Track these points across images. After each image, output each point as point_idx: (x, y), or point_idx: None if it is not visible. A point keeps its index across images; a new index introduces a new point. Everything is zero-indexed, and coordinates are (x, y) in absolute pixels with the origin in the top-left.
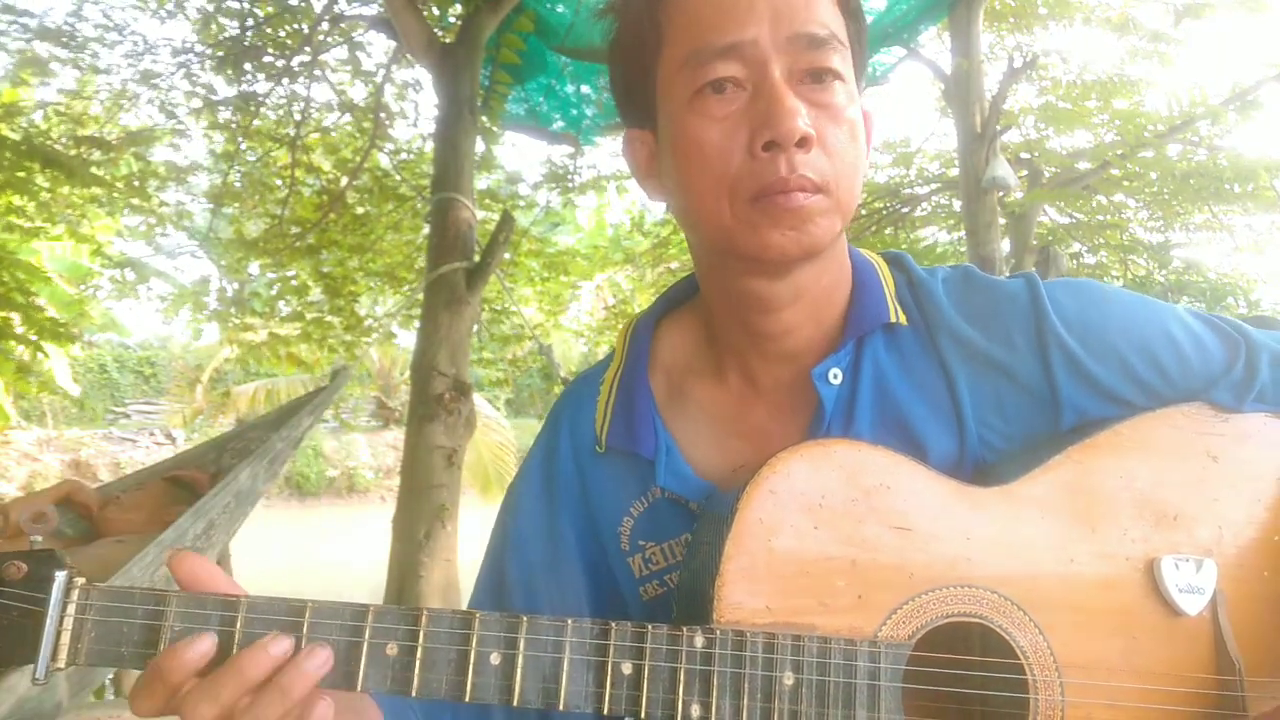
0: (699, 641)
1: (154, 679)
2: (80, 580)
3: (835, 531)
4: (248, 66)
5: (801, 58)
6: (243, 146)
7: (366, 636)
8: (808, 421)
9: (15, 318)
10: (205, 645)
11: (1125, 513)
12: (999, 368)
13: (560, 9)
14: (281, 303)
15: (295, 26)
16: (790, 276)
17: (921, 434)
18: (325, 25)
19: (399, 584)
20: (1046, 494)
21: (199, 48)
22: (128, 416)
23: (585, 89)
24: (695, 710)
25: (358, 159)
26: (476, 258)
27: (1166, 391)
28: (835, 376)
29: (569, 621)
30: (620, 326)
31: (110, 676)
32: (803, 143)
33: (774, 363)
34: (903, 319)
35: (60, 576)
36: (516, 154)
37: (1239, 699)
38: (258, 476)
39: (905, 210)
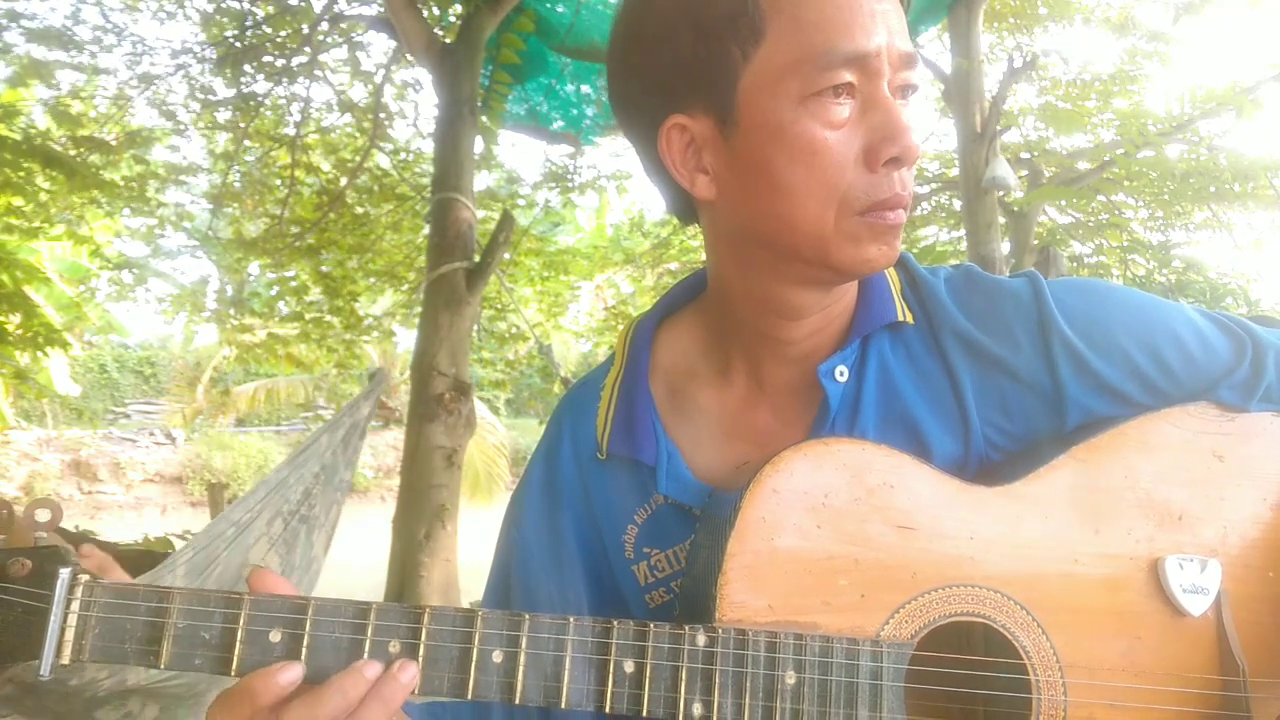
0: (701, 640)
1: (241, 698)
2: (84, 577)
3: (838, 530)
4: (247, 67)
5: (900, 74)
6: (240, 148)
7: (369, 634)
8: (812, 420)
9: (14, 319)
10: (296, 672)
11: (1129, 512)
12: (1003, 367)
13: (560, 9)
14: (281, 303)
15: (295, 27)
16: (836, 288)
17: (926, 432)
18: (325, 25)
19: (399, 584)
20: (1050, 494)
21: (198, 48)
22: (128, 416)
23: (585, 89)
24: (697, 709)
25: (357, 159)
26: (476, 258)
27: (1172, 390)
28: (841, 374)
29: (571, 620)
30: (620, 329)
31: None
32: (913, 161)
33: (784, 364)
34: (909, 317)
35: (64, 573)
36: (516, 154)
37: (1242, 700)
38: (335, 452)
39: None
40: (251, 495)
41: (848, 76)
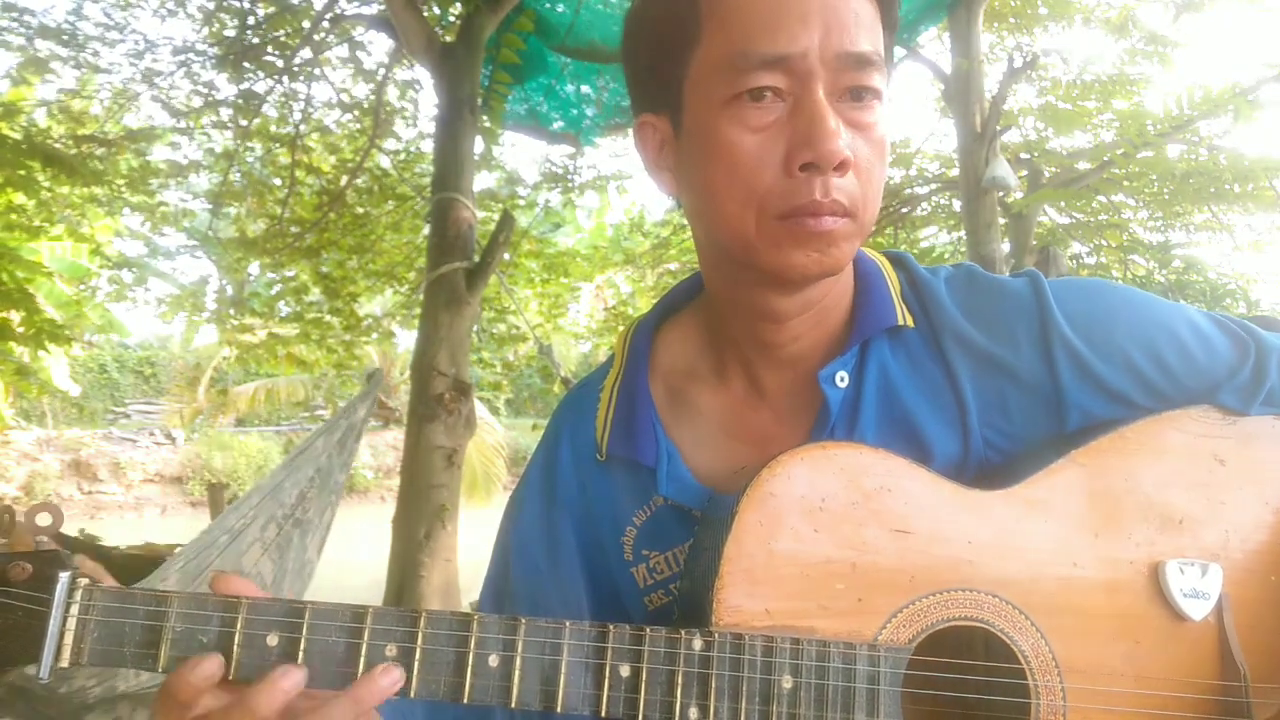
0: (697, 644)
1: (166, 698)
2: (84, 581)
3: (835, 534)
4: (248, 65)
5: (845, 75)
6: (240, 147)
7: (365, 638)
8: (812, 424)
9: (15, 317)
10: (211, 666)
11: (1130, 516)
12: (1003, 368)
13: (560, 9)
14: (281, 303)
15: (296, 26)
16: (802, 292)
17: (926, 435)
18: (326, 24)
19: (399, 584)
20: (1050, 497)
21: (200, 46)
22: (128, 416)
23: (585, 89)
24: (693, 713)
25: (358, 159)
26: (476, 258)
27: (1173, 392)
28: (841, 379)
29: (567, 624)
30: (620, 330)
31: None
32: (840, 166)
33: (779, 367)
34: (909, 321)
35: (64, 577)
36: (516, 154)
37: (1244, 705)
38: (331, 455)
39: (905, 210)
40: (245, 501)
41: (768, 80)
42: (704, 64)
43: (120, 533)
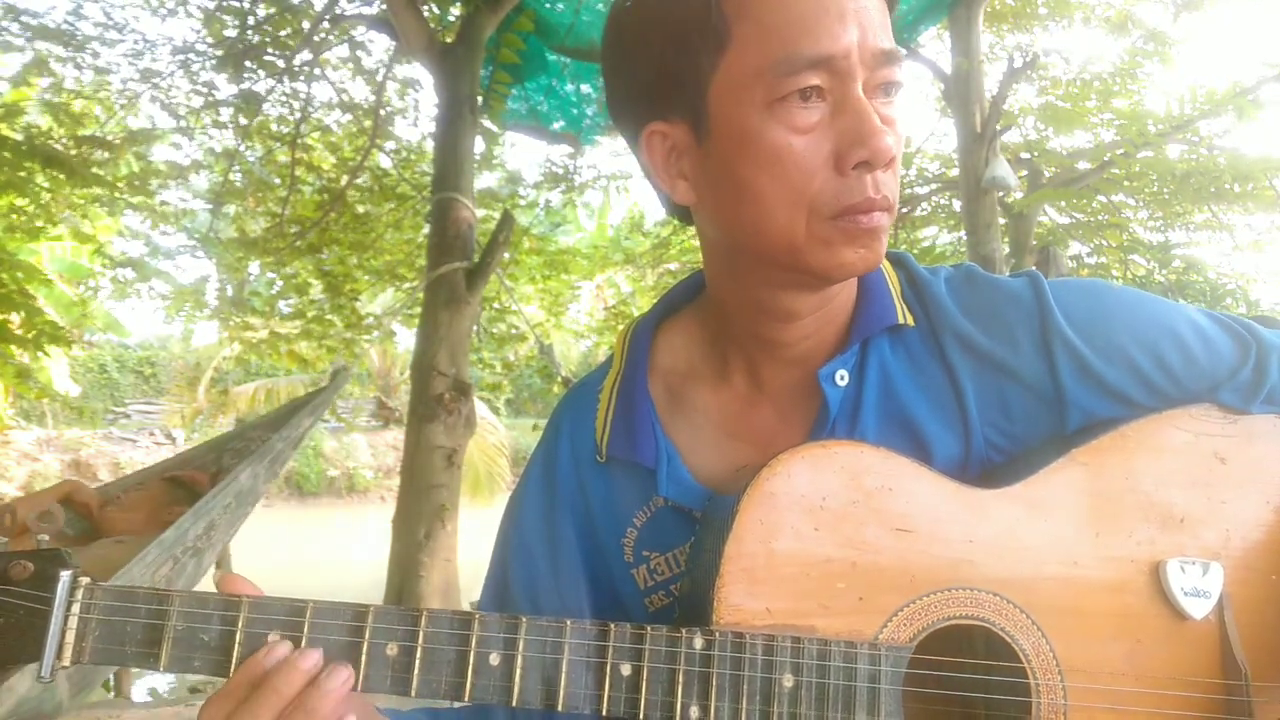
0: (698, 643)
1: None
2: (85, 580)
3: (836, 533)
4: (248, 65)
5: (878, 72)
6: (242, 147)
7: (367, 637)
8: (812, 423)
9: (15, 319)
10: (345, 674)
11: (1131, 515)
12: (1003, 368)
13: (560, 9)
14: (282, 302)
15: (296, 25)
16: (827, 290)
17: (927, 435)
18: (326, 24)
19: (399, 584)
20: (1050, 496)
21: (200, 46)
22: (128, 416)
23: (585, 89)
24: (694, 712)
25: (358, 158)
26: (476, 257)
27: (1174, 392)
28: (841, 378)
29: (568, 623)
30: (620, 330)
31: (110, 675)
32: (889, 163)
33: (782, 366)
34: (909, 320)
35: (65, 576)
36: (516, 154)
37: (1245, 704)
38: (258, 476)
39: (905, 210)
40: (141, 559)
41: (814, 80)
42: (737, 67)
43: None
